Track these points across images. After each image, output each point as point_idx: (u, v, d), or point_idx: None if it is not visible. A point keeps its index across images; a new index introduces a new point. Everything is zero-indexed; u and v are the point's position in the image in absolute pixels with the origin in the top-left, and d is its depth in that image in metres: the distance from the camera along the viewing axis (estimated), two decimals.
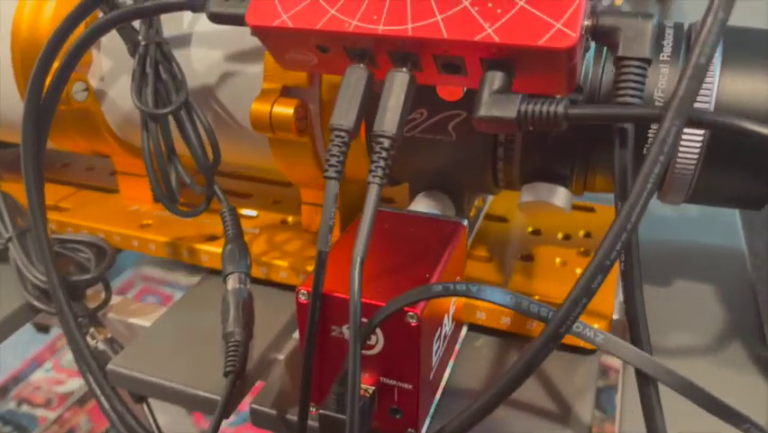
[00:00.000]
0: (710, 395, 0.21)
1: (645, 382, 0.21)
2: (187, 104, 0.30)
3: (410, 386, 0.23)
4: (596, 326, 0.25)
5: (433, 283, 0.20)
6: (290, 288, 0.34)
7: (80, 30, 0.28)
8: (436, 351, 0.25)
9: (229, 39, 0.31)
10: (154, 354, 0.31)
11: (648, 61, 0.20)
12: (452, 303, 0.27)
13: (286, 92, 0.29)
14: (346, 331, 0.23)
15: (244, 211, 0.38)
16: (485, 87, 0.21)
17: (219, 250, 0.34)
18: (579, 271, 0.32)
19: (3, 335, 0.34)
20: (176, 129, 0.31)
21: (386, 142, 0.22)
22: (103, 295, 0.35)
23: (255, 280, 0.34)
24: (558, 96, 0.21)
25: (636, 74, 0.20)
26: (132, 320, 0.35)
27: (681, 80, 0.18)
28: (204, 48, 0.31)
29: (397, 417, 0.24)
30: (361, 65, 0.23)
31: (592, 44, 0.26)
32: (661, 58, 0.26)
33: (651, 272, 0.36)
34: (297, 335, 0.32)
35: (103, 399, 0.30)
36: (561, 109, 0.20)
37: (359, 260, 0.21)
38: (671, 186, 0.27)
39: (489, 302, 0.20)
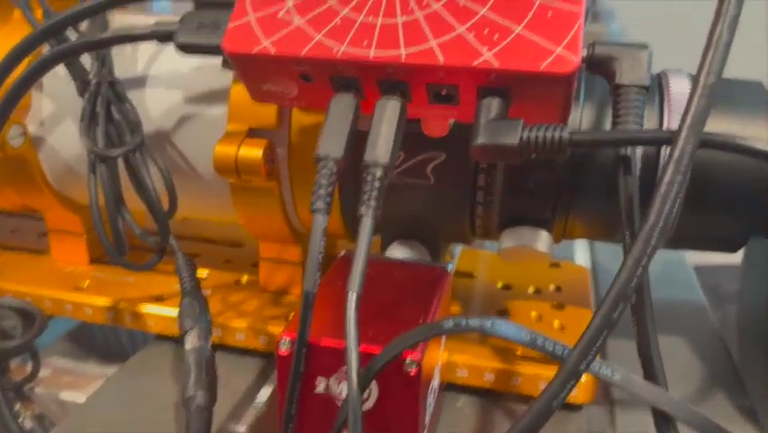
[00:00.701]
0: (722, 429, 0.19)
1: (665, 423, 0.19)
2: (141, 146, 0.27)
3: (409, 414, 0.21)
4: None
5: (442, 320, 0.18)
6: (248, 352, 0.31)
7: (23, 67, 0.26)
8: (429, 407, 0.23)
9: (189, 79, 0.29)
10: (98, 428, 0.26)
11: (647, 89, 0.20)
12: (440, 354, 0.25)
13: (252, 134, 0.28)
14: (334, 384, 0.21)
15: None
16: (482, 114, 0.20)
17: (168, 312, 0.31)
18: (557, 323, 0.31)
19: None
20: (124, 175, 0.28)
21: (378, 172, 0.20)
22: (30, 366, 0.31)
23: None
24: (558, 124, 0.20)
25: (637, 100, 0.20)
26: (65, 395, 0.31)
27: (692, 99, 0.18)
28: (161, 89, 0.29)
29: None
30: (349, 94, 0.22)
31: None
32: None
33: (617, 329, 0.35)
34: (261, 398, 0.29)
35: None
36: (565, 135, 0.19)
37: (354, 297, 0.19)
38: None
39: (502, 338, 0.18)
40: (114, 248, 0.27)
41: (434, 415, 0.25)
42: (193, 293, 0.27)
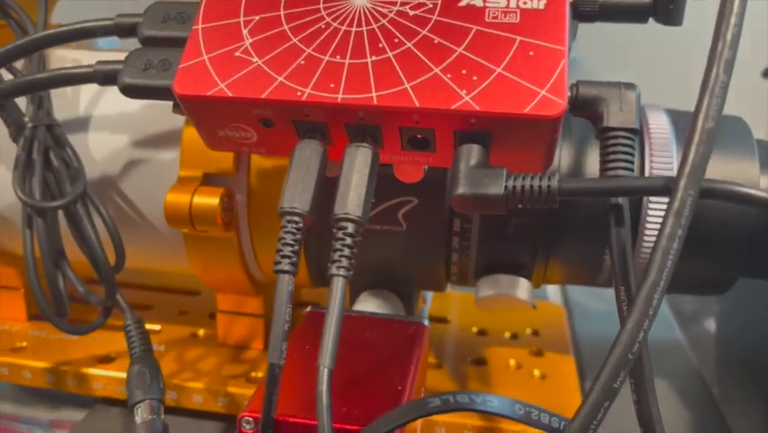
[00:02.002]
0: None
1: None
2: (84, 195, 0.25)
3: None
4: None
5: (428, 397, 0.16)
6: (206, 415, 0.28)
7: None
8: (437, 400, 0.21)
9: (137, 120, 0.27)
10: None
11: (636, 132, 0.19)
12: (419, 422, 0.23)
13: (207, 180, 0.25)
14: None
15: (146, 326, 0.32)
16: (461, 162, 0.19)
17: (115, 373, 0.29)
18: (537, 372, 0.29)
19: None
20: (65, 226, 0.25)
21: (350, 227, 0.18)
22: None
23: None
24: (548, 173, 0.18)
25: (626, 144, 0.19)
26: None
27: (689, 145, 0.17)
28: (106, 131, 0.27)
29: None
30: (314, 140, 0.20)
31: None
32: None
33: (593, 368, 0.34)
34: None
35: None
36: (554, 184, 0.18)
37: (326, 372, 0.17)
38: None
39: (494, 414, 0.16)
40: (54, 311, 0.25)
41: None
42: (143, 359, 0.24)
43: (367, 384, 0.20)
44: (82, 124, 0.27)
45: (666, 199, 0.17)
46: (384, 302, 0.26)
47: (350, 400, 0.19)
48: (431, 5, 0.20)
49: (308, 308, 0.24)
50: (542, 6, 0.19)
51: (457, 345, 0.32)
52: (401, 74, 0.19)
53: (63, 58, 0.29)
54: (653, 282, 0.16)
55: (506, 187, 0.18)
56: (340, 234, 0.18)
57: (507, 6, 0.20)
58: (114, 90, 0.26)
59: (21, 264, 0.31)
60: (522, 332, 0.33)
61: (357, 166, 0.19)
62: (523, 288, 0.26)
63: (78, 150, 0.26)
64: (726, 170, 0.26)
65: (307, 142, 0.19)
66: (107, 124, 0.27)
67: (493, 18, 0.19)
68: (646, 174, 0.26)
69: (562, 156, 0.26)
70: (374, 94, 0.19)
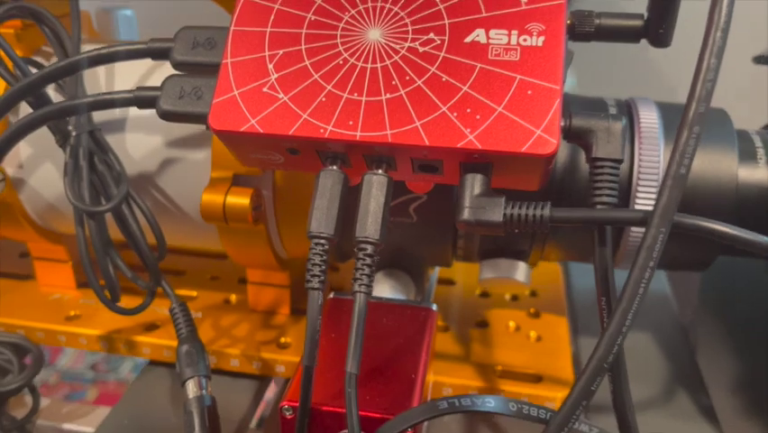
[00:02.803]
0: None
1: None
2: (127, 197, 0.28)
3: None
4: (559, 395, 0.26)
5: (437, 400, 0.20)
6: (242, 375, 0.32)
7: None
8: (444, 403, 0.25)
9: (168, 124, 0.29)
10: None
11: (620, 161, 0.21)
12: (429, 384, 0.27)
13: (237, 180, 0.28)
14: None
15: (182, 292, 0.36)
16: (466, 191, 0.21)
17: (161, 341, 0.32)
18: (533, 334, 0.33)
19: None
20: (111, 219, 0.28)
21: (369, 249, 0.21)
22: (28, 399, 0.32)
23: None
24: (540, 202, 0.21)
25: (611, 174, 0.21)
26: (68, 426, 0.32)
27: (663, 189, 0.19)
28: (141, 133, 0.29)
29: None
30: (334, 167, 0.22)
31: None
32: None
33: (585, 323, 0.37)
34: (257, 420, 0.31)
35: None
36: (546, 213, 0.21)
37: (353, 378, 0.20)
38: (624, 255, 0.29)
39: (492, 413, 0.20)
40: (110, 299, 0.28)
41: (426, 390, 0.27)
42: (189, 340, 0.28)
43: (384, 371, 0.24)
44: (119, 125, 0.29)
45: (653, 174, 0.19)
46: (398, 283, 0.30)
47: (370, 388, 0.23)
48: (439, 42, 0.22)
49: (332, 295, 0.28)
50: (540, 44, 0.21)
51: (462, 307, 0.35)
52: (412, 112, 0.21)
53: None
54: (624, 309, 0.19)
55: (504, 215, 0.21)
56: (361, 255, 0.21)
57: (509, 44, 0.22)
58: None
59: (68, 241, 0.35)
60: (521, 294, 0.36)
61: (374, 194, 0.22)
62: (521, 271, 0.29)
63: (117, 150, 0.29)
64: (706, 162, 0.28)
65: (329, 171, 0.22)
66: (142, 126, 0.29)
67: (495, 56, 0.21)
68: (635, 166, 0.28)
69: (559, 151, 0.28)
70: (388, 132, 0.21)
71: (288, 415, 0.22)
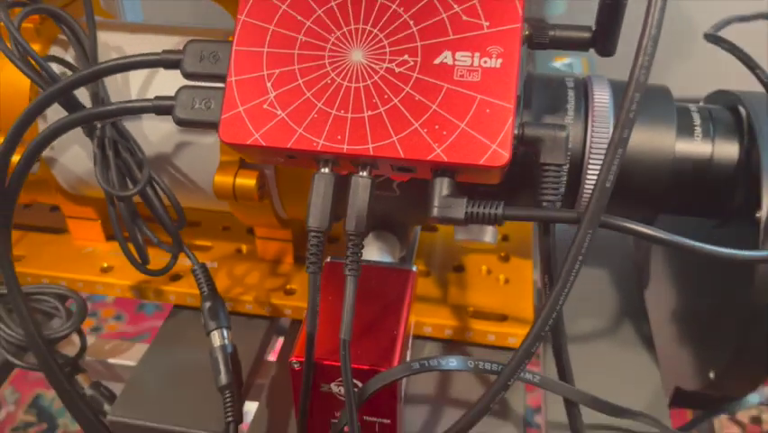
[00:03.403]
0: (611, 404, 0.28)
1: (572, 407, 0.28)
2: (150, 179, 0.32)
3: (388, 420, 0.29)
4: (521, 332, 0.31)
5: (412, 362, 0.25)
6: (256, 316, 0.38)
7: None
8: (420, 359, 0.30)
9: None
10: (149, 399, 0.34)
11: (563, 165, 0.26)
12: (410, 343, 0.32)
13: (243, 163, 0.32)
14: (334, 387, 0.28)
15: (198, 242, 0.41)
16: (435, 192, 0.26)
17: (184, 289, 0.38)
18: (502, 277, 0.39)
19: None
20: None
21: (356, 239, 0.26)
22: (76, 340, 0.38)
23: None
24: (496, 201, 0.26)
25: (555, 177, 0.26)
26: (112, 361, 0.38)
27: (591, 199, 0.24)
28: (156, 120, 0.33)
29: None
30: (326, 170, 0.26)
31: None
32: (566, 117, 0.32)
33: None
34: (272, 355, 0.37)
35: None
36: (499, 211, 0.25)
37: (346, 343, 0.26)
38: (579, 206, 0.33)
39: (454, 370, 0.26)
40: (141, 263, 0.33)
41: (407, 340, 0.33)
42: (211, 296, 0.33)
43: (372, 330, 0.29)
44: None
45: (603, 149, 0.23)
46: (385, 244, 0.35)
47: (359, 344, 0.28)
48: (412, 63, 0.26)
49: (328, 259, 0.33)
50: (498, 65, 0.25)
51: (442, 252, 0.41)
52: (390, 128, 0.25)
53: (105, 43, 0.34)
54: (557, 292, 0.24)
55: (466, 213, 0.25)
56: (350, 245, 0.26)
57: (472, 65, 0.25)
58: (156, 82, 0.32)
59: (96, 203, 0.39)
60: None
61: (359, 194, 0.26)
62: (489, 233, 0.34)
63: (137, 136, 0.33)
64: (645, 137, 0.32)
65: (322, 175, 0.26)
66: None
67: (460, 76, 0.25)
68: (587, 142, 0.32)
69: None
70: (370, 145, 0.25)
71: (297, 367, 0.28)
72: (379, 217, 0.35)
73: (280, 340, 0.40)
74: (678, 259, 0.40)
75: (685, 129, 0.32)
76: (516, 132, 0.25)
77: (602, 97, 0.32)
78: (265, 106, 0.26)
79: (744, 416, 0.94)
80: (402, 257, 0.37)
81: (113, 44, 0.34)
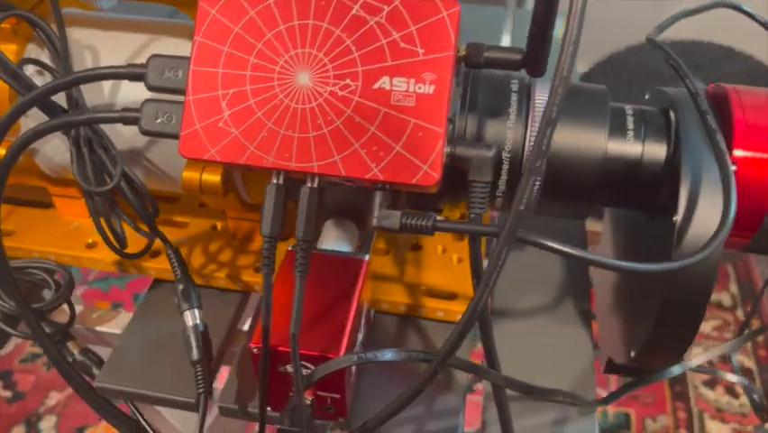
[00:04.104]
0: (530, 385, 0.32)
1: (498, 390, 0.32)
2: (124, 174, 0.35)
3: (338, 395, 0.33)
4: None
5: (353, 354, 0.29)
6: (229, 290, 0.42)
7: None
8: (360, 351, 0.34)
9: None
10: (132, 367, 0.38)
11: (489, 183, 0.28)
12: (363, 316, 0.36)
13: None
14: (289, 368, 0.32)
15: (176, 218, 0.44)
16: (375, 204, 0.29)
17: (163, 265, 0.41)
18: (455, 257, 0.42)
19: None
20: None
21: (304, 245, 0.29)
22: (65, 308, 0.42)
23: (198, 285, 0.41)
24: (429, 213, 0.28)
25: (482, 193, 0.28)
26: (100, 329, 0.42)
27: (508, 218, 0.27)
28: None
29: (331, 411, 0.34)
30: (278, 181, 0.29)
31: None
32: (508, 119, 0.34)
33: None
34: (245, 327, 0.41)
35: (94, 404, 0.38)
36: (430, 223, 0.28)
37: (296, 338, 0.29)
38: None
39: (388, 362, 0.29)
40: (119, 248, 0.37)
41: (366, 330, 0.36)
42: (183, 279, 0.37)
43: (324, 319, 0.33)
44: (108, 110, 0.36)
45: None
46: (343, 232, 0.38)
47: (311, 331, 0.32)
48: (353, 86, 0.28)
49: (289, 248, 0.36)
50: (431, 91, 0.28)
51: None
52: (333, 148, 0.28)
53: (78, 41, 0.36)
54: (479, 295, 0.27)
55: (401, 223, 0.28)
56: (299, 250, 0.29)
57: (407, 90, 0.28)
58: (127, 84, 0.34)
59: (78, 184, 0.42)
60: (453, 217, 0.45)
61: (308, 204, 0.29)
62: None
63: (110, 130, 0.35)
64: (578, 138, 0.34)
65: (273, 186, 0.29)
66: None
67: (396, 101, 0.28)
68: (526, 144, 0.34)
69: (468, 121, 0.34)
70: (315, 164, 0.28)
71: (255, 351, 0.32)
72: (338, 205, 0.38)
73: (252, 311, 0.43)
74: (616, 237, 0.43)
75: (618, 130, 0.35)
76: (447, 150, 0.28)
77: (542, 100, 0.35)
78: (220, 125, 0.29)
79: None
80: (361, 243, 0.40)
81: (85, 42, 0.36)
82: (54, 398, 1.15)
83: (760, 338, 1.27)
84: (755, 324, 1.28)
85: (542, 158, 0.26)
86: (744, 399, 1.15)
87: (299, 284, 0.29)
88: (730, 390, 1.18)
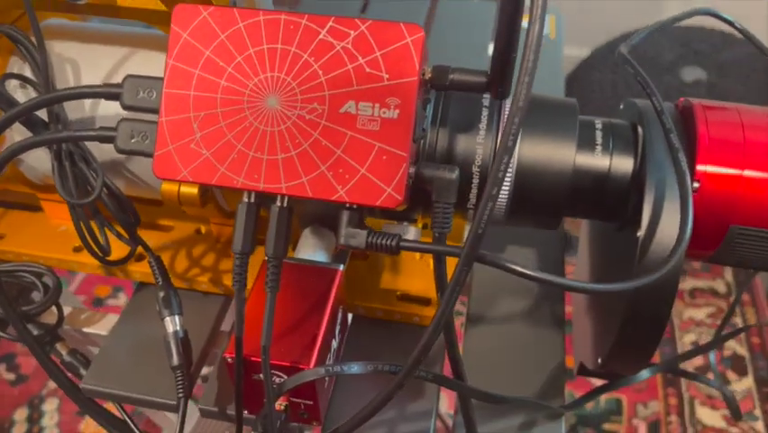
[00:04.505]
0: (494, 395, 0.33)
1: (462, 400, 0.33)
2: (105, 185, 0.36)
3: (311, 402, 0.34)
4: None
5: (321, 367, 0.30)
6: (211, 293, 0.43)
7: None
8: (328, 364, 0.36)
9: None
10: (117, 370, 0.40)
11: (452, 203, 0.29)
12: (338, 326, 0.37)
13: None
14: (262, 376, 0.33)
15: (161, 222, 0.45)
16: (341, 223, 0.30)
17: (147, 269, 0.42)
18: (431, 263, 0.43)
19: None
20: None
21: (275, 261, 0.30)
22: (54, 310, 0.43)
23: (180, 288, 0.42)
24: (394, 233, 0.29)
25: (445, 212, 0.29)
26: (87, 330, 0.44)
27: (466, 242, 0.27)
28: None
29: (306, 417, 0.35)
30: (248, 200, 0.30)
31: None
32: (478, 135, 0.35)
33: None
34: (226, 327, 0.42)
35: (80, 404, 0.40)
36: (395, 243, 0.29)
37: (266, 350, 0.30)
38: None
39: (354, 374, 0.30)
40: (101, 256, 0.38)
41: (338, 350, 0.38)
42: (164, 286, 0.38)
43: (297, 329, 0.34)
44: (89, 124, 0.37)
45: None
46: (320, 240, 0.39)
47: (283, 341, 0.33)
48: (320, 110, 0.29)
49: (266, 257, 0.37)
50: (395, 116, 0.28)
51: None
52: (300, 170, 0.29)
53: (60, 55, 0.37)
54: (441, 312, 0.28)
55: (367, 242, 0.29)
56: (270, 266, 0.30)
57: (372, 115, 0.28)
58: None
59: None
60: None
61: (278, 223, 0.30)
62: (412, 232, 0.38)
63: (92, 145, 0.36)
64: (547, 152, 0.34)
65: (244, 204, 0.30)
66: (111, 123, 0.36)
67: (362, 125, 0.28)
68: (497, 146, 0.35)
69: (439, 135, 0.35)
70: (283, 185, 0.29)
71: (230, 361, 0.33)
72: (316, 213, 0.39)
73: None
74: (592, 243, 0.44)
75: (586, 143, 0.35)
76: (411, 171, 0.29)
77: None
78: (192, 146, 0.29)
79: None
80: (339, 251, 0.41)
81: (66, 56, 0.37)
82: None
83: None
84: (750, 314, 1.29)
85: (498, 185, 0.27)
86: (733, 386, 1.17)
87: (270, 299, 0.30)
88: (721, 378, 1.20)
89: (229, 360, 0.33)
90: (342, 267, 0.37)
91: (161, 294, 0.38)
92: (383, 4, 0.69)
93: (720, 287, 1.35)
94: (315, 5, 0.69)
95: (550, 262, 0.46)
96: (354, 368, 0.30)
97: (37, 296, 0.42)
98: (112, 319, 0.44)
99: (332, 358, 0.37)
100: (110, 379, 0.39)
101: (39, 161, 0.39)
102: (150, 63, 0.37)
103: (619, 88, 1.31)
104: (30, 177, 0.41)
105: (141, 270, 0.43)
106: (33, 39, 0.36)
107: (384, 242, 0.29)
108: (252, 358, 0.33)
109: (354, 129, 0.28)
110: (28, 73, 0.37)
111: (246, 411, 0.36)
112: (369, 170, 0.28)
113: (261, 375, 0.33)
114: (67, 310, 0.44)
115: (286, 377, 0.33)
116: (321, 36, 0.29)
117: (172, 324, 0.37)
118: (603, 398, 1.19)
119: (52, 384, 1.17)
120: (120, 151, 0.31)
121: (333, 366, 0.30)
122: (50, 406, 1.14)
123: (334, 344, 0.37)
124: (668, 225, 0.32)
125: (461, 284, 0.28)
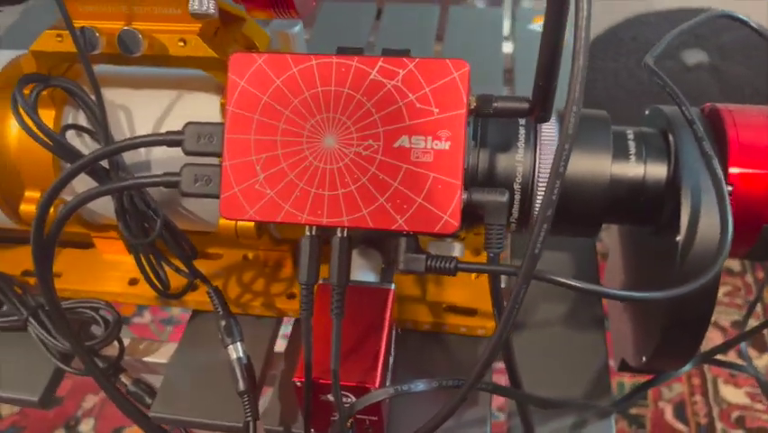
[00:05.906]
0: (550, 400, 0.35)
1: (521, 406, 0.35)
2: (162, 226, 0.38)
3: (376, 418, 0.36)
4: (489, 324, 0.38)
5: (390, 387, 0.32)
6: (265, 317, 0.45)
7: None
8: (397, 384, 0.37)
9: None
10: (182, 396, 0.42)
11: (504, 225, 0.31)
12: (392, 346, 0.39)
13: None
14: (331, 397, 0.35)
15: (210, 250, 0.47)
16: (400, 250, 0.32)
17: (202, 298, 0.44)
18: (473, 274, 0.45)
19: (47, 398, 0.44)
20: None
21: (339, 289, 0.32)
22: (115, 343, 0.45)
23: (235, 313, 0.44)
24: (451, 256, 0.31)
25: (498, 234, 0.31)
26: (148, 359, 0.46)
27: (523, 263, 0.29)
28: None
29: (370, 431, 0.37)
30: (311, 233, 0.32)
31: None
32: (517, 153, 0.36)
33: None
34: (280, 347, 0.44)
35: (151, 431, 0.41)
36: (452, 265, 0.31)
37: (336, 374, 0.32)
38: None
39: (419, 392, 0.32)
40: (162, 290, 0.40)
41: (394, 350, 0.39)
42: (224, 315, 0.40)
43: (358, 349, 0.36)
44: (145, 167, 0.38)
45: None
46: (366, 260, 0.41)
47: (348, 362, 0.35)
48: (375, 146, 0.30)
49: (321, 281, 0.39)
50: (447, 147, 0.30)
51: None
52: (360, 203, 0.31)
53: (112, 102, 0.39)
54: (500, 334, 0.30)
55: (426, 266, 0.31)
56: (335, 294, 0.32)
57: (425, 147, 0.30)
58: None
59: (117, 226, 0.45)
60: (469, 234, 0.47)
61: (340, 252, 0.32)
62: (457, 249, 0.40)
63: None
64: (585, 165, 0.36)
65: (308, 238, 0.32)
66: (167, 164, 0.38)
67: (416, 158, 0.30)
68: (536, 171, 0.37)
69: (480, 157, 0.37)
70: (345, 218, 0.31)
71: (299, 385, 0.35)
72: (362, 235, 0.41)
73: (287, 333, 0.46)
74: (625, 249, 0.46)
75: (621, 153, 0.37)
76: (464, 198, 0.31)
77: (550, 128, 0.37)
78: (256, 187, 0.31)
79: None
80: (385, 268, 0.43)
81: (118, 102, 0.39)
82: (90, 401, 1.20)
83: None
84: None
85: (552, 207, 0.28)
86: (756, 362, 1.18)
87: (336, 325, 0.32)
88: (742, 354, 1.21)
89: (298, 384, 0.35)
90: (393, 286, 0.39)
91: (223, 323, 0.40)
92: (396, 11, 0.70)
93: (735, 265, 1.36)
94: (330, 14, 0.71)
95: (584, 266, 0.48)
96: (420, 386, 0.32)
97: (96, 330, 0.44)
98: (170, 348, 0.46)
99: (389, 373, 0.38)
100: (177, 406, 0.41)
101: (97, 204, 0.41)
102: (199, 106, 0.39)
103: (621, 77, 1.33)
104: (87, 218, 0.42)
105: (196, 298, 0.44)
106: (86, 88, 0.38)
107: (443, 265, 0.31)
108: (321, 380, 0.34)
109: (409, 162, 0.30)
110: (82, 120, 0.39)
111: (312, 429, 0.38)
112: (425, 200, 0.30)
113: (328, 396, 0.35)
114: (126, 342, 0.46)
115: (352, 396, 0.35)
116: (372, 76, 0.30)
117: (235, 351, 0.39)
118: (628, 382, 1.21)
119: (87, 404, 1.19)
120: (184, 194, 0.33)
121: (402, 385, 0.32)
122: (85, 426, 1.16)
123: (391, 359, 0.39)
124: (706, 229, 0.34)
125: (520, 303, 0.30)
